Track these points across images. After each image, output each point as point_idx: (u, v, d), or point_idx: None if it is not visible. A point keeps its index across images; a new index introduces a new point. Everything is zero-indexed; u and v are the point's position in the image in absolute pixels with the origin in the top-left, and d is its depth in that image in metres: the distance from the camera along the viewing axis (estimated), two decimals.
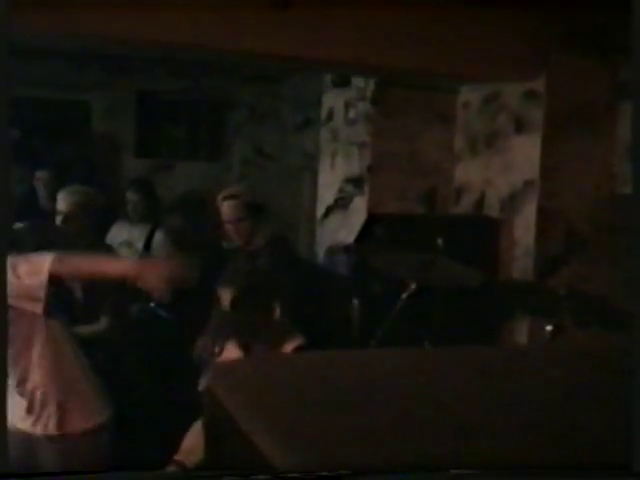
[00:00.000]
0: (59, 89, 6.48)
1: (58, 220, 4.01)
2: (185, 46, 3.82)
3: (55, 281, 2.79)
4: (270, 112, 7.19)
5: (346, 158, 5.30)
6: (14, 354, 2.76)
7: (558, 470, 1.09)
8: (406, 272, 3.64)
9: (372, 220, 4.65)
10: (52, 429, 2.90)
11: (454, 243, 4.00)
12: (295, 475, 1.07)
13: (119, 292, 3.91)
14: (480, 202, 5.01)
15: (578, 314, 3.33)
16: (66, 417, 2.92)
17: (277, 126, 7.18)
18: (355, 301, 4.68)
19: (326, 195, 5.51)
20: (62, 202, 4.02)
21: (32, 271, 2.67)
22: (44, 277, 2.69)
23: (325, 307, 4.30)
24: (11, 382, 2.79)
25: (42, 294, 2.72)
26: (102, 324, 3.86)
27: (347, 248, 5.06)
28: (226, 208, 4.16)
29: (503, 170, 4.82)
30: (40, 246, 2.86)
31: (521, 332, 4.58)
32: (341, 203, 5.33)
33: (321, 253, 5.50)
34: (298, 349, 2.74)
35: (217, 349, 2.99)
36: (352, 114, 5.25)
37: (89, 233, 4.06)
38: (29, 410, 2.87)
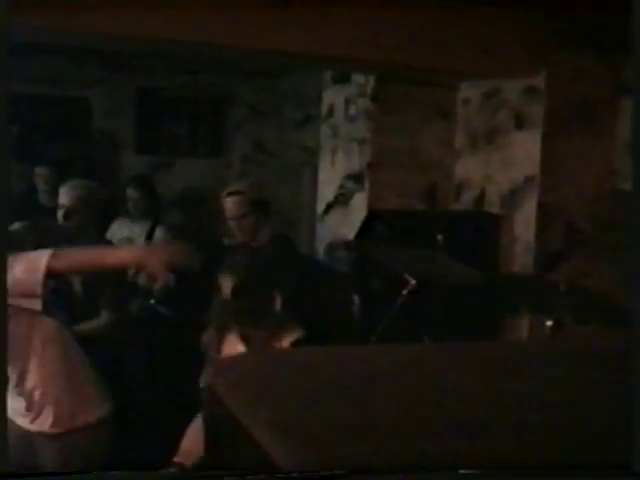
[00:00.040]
0: (59, 86, 6.47)
1: (60, 214, 4.01)
2: (185, 43, 3.82)
3: (54, 277, 2.79)
4: (270, 109, 7.19)
5: (346, 154, 5.30)
6: (12, 353, 2.76)
7: (558, 470, 1.09)
8: (406, 268, 3.64)
9: (372, 216, 4.65)
10: (51, 427, 2.90)
11: (454, 239, 4.00)
12: (297, 475, 1.07)
13: (119, 286, 3.92)
14: (480, 198, 5.01)
15: (578, 310, 3.33)
16: (65, 415, 2.92)
17: (277, 123, 7.18)
18: (355, 297, 4.68)
19: (326, 191, 5.51)
20: (64, 196, 4.02)
21: (29, 268, 2.66)
22: (42, 274, 2.69)
23: (325, 303, 4.31)
24: (10, 381, 2.79)
25: (40, 291, 2.72)
26: (102, 319, 3.87)
27: (347, 244, 5.06)
28: (230, 204, 4.16)
29: (503, 166, 4.82)
30: (39, 245, 2.85)
31: (521, 328, 4.58)
32: (341, 199, 5.33)
33: (321, 249, 5.51)
34: (298, 342, 2.75)
35: (217, 340, 3.00)
36: (352, 110, 5.25)
37: (90, 228, 4.06)
38: (28, 408, 2.88)
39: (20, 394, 2.85)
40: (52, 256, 2.72)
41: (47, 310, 2.82)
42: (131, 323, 4.18)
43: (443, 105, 5.17)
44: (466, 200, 5.13)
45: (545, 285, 4.20)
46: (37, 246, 2.85)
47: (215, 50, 4.21)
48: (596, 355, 1.66)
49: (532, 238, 4.62)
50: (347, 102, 5.30)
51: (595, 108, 4.64)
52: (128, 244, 4.86)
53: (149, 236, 4.93)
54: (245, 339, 2.74)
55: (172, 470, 2.67)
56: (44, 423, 2.90)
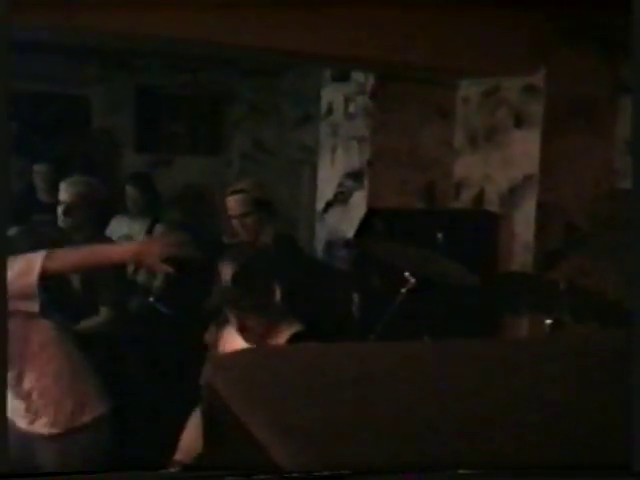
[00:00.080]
0: (58, 83, 6.47)
1: (60, 210, 4.01)
2: (184, 41, 3.82)
3: (50, 278, 2.79)
4: (269, 107, 7.18)
5: (346, 153, 5.30)
6: (9, 355, 2.76)
7: (558, 470, 1.09)
8: (406, 267, 3.64)
9: (372, 214, 4.65)
10: (50, 428, 2.90)
11: (453, 238, 4.01)
12: (299, 475, 1.07)
13: (118, 283, 3.92)
14: (480, 197, 5.01)
15: (578, 309, 3.34)
16: (63, 415, 2.92)
17: (276, 121, 7.18)
18: (355, 295, 4.69)
19: (326, 190, 5.51)
20: (64, 192, 4.03)
21: (24, 270, 2.66)
22: (36, 276, 2.68)
23: (325, 301, 4.31)
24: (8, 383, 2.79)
25: (36, 293, 2.71)
26: (102, 316, 3.87)
27: (347, 243, 5.06)
28: (233, 202, 4.17)
29: (503, 165, 4.82)
30: (37, 249, 2.84)
31: (520, 326, 4.59)
32: (341, 198, 5.33)
33: (320, 248, 5.51)
34: (296, 336, 2.75)
35: (216, 334, 3.00)
36: (352, 109, 5.25)
37: (90, 225, 4.07)
38: (27, 410, 2.87)
39: (18, 396, 2.85)
40: (46, 257, 2.72)
41: (44, 312, 2.81)
42: (130, 321, 4.18)
43: (442, 104, 5.17)
44: (465, 199, 5.13)
45: (544, 284, 4.21)
46: (35, 250, 2.85)
47: (214, 48, 4.21)
48: (596, 354, 1.66)
49: (531, 237, 4.63)
50: (346, 100, 5.30)
51: (595, 107, 4.64)
52: (127, 241, 4.86)
53: (148, 233, 4.93)
54: (243, 329, 2.72)
55: (173, 468, 2.67)
56: (42, 424, 2.90)
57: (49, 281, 2.77)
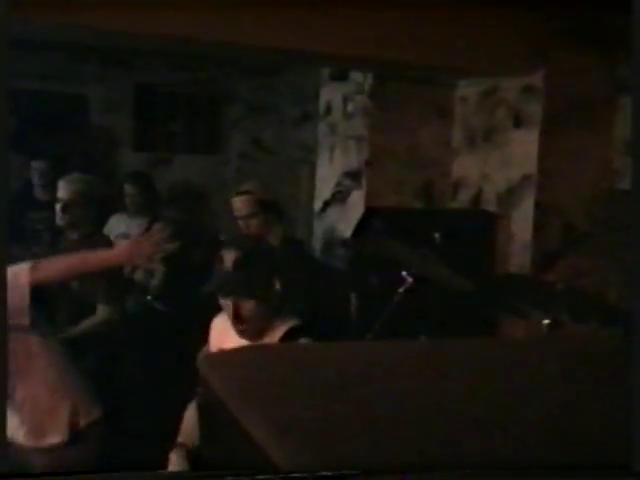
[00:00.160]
0: (56, 81, 6.46)
1: (58, 208, 4.01)
2: (183, 40, 3.82)
3: (39, 288, 2.77)
4: (268, 106, 7.18)
5: (344, 152, 5.30)
6: None
7: (557, 470, 1.09)
8: (403, 266, 3.64)
9: (370, 214, 4.65)
10: (40, 439, 2.88)
11: (451, 237, 4.01)
12: (297, 475, 1.07)
13: (115, 281, 3.91)
14: (478, 196, 5.01)
15: (576, 309, 3.33)
16: (58, 425, 2.90)
17: (275, 120, 7.18)
18: (352, 295, 4.69)
19: (324, 189, 5.51)
20: (63, 190, 4.02)
21: (12, 285, 2.60)
22: (26, 288, 2.66)
23: (322, 300, 4.30)
24: None
25: (25, 305, 2.69)
26: (99, 314, 3.87)
27: (345, 242, 5.06)
28: (238, 204, 4.18)
29: (501, 165, 4.82)
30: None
31: (518, 326, 4.59)
32: (339, 197, 5.33)
33: (318, 247, 5.51)
34: (293, 330, 2.74)
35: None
36: (350, 108, 5.25)
37: (87, 222, 4.06)
38: (22, 422, 2.85)
39: (12, 409, 2.82)
40: (32, 268, 2.70)
41: (33, 323, 2.79)
42: (127, 319, 4.18)
43: (441, 103, 5.17)
44: (463, 198, 5.14)
45: (542, 284, 4.21)
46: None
47: (213, 47, 4.20)
48: (595, 354, 1.67)
49: (529, 237, 4.63)
50: (345, 100, 5.30)
51: (593, 107, 4.64)
52: (125, 240, 4.86)
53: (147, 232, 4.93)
54: (238, 318, 2.70)
55: (175, 451, 2.67)
56: (33, 436, 2.88)
57: (37, 290, 2.75)
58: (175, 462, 2.63)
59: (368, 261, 4.58)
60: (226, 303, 2.71)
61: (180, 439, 2.74)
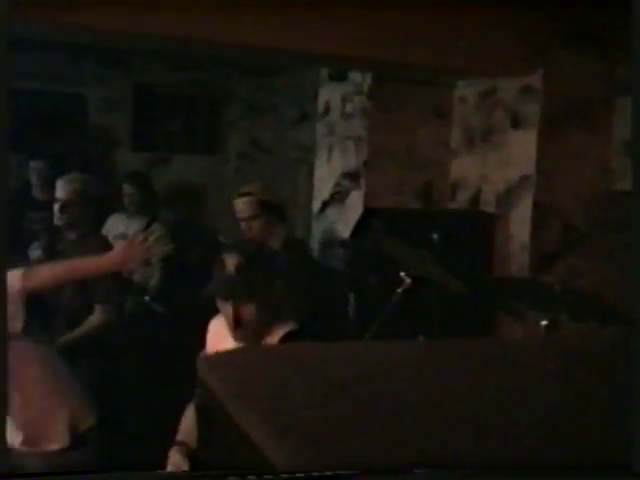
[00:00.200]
0: (55, 81, 6.46)
1: (56, 208, 4.00)
2: (182, 40, 3.82)
3: (33, 295, 2.76)
4: (266, 106, 7.18)
5: (342, 152, 5.30)
6: None
7: (557, 470, 1.09)
8: (401, 267, 3.64)
9: (368, 214, 4.65)
10: (39, 447, 2.87)
11: (450, 238, 4.00)
12: (297, 475, 1.06)
13: (113, 281, 3.90)
14: (476, 197, 5.01)
15: (574, 310, 3.33)
16: (53, 433, 2.89)
17: (273, 120, 7.17)
18: (351, 295, 4.69)
19: (322, 189, 5.50)
20: (61, 190, 4.02)
21: None
22: (16, 295, 2.65)
23: (321, 301, 4.30)
24: None
25: (17, 312, 2.68)
26: (98, 315, 3.86)
27: (343, 242, 5.06)
28: (240, 205, 4.17)
29: (499, 165, 4.82)
30: None
31: (516, 327, 4.59)
32: (337, 197, 5.32)
33: (317, 247, 5.51)
34: (290, 335, 2.74)
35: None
36: (349, 108, 5.25)
37: (86, 222, 4.06)
38: (18, 429, 2.84)
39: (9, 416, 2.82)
40: (24, 276, 2.69)
41: (26, 329, 2.78)
42: (125, 319, 4.17)
43: (439, 104, 5.17)
44: (462, 199, 5.14)
45: (540, 284, 4.21)
46: None
47: (212, 47, 4.20)
48: (595, 354, 1.67)
49: (527, 237, 4.63)
50: (344, 100, 5.30)
51: (591, 107, 4.64)
52: (123, 240, 4.85)
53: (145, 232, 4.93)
54: (237, 322, 2.70)
55: (175, 449, 2.66)
56: (31, 443, 2.87)
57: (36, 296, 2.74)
58: (175, 461, 2.62)
59: (367, 261, 4.58)
60: (225, 307, 2.71)
61: (180, 437, 2.74)
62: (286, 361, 1.68)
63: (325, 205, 5.46)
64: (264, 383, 1.48)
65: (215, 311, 2.85)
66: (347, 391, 1.42)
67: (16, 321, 2.70)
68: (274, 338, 2.72)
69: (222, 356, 2.00)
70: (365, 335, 3.55)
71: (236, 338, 2.70)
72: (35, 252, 4.18)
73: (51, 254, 4.15)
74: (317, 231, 5.56)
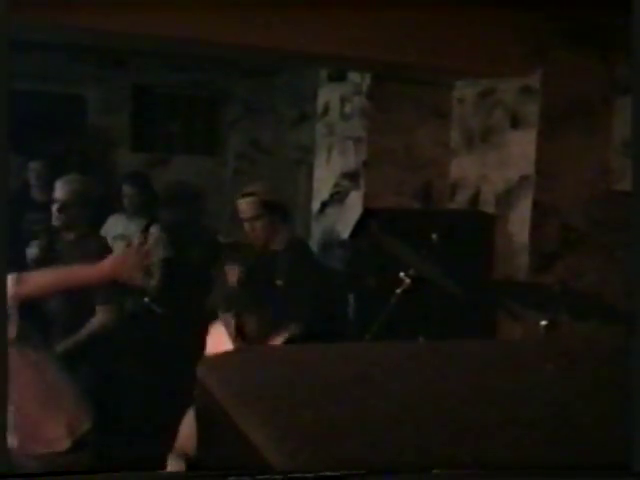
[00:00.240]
0: (54, 82, 6.46)
1: (54, 208, 4.00)
2: (181, 40, 3.81)
3: (25, 301, 2.74)
4: (266, 106, 7.18)
5: (342, 153, 5.29)
6: None
7: (557, 470, 1.09)
8: (401, 267, 3.64)
9: (368, 214, 4.65)
10: (31, 448, 2.87)
11: (449, 238, 4.00)
12: (300, 475, 1.06)
13: (113, 281, 3.90)
14: (475, 197, 5.01)
15: (574, 310, 3.33)
16: (50, 438, 2.88)
17: (273, 121, 7.17)
18: (350, 296, 4.68)
19: (322, 190, 5.50)
20: (59, 190, 4.01)
21: None
22: (10, 301, 2.64)
23: (320, 301, 4.30)
24: None
25: (12, 318, 2.66)
26: (99, 316, 3.86)
27: (343, 243, 5.06)
28: (243, 205, 4.16)
29: (499, 165, 4.82)
30: None
31: (516, 327, 4.59)
32: (337, 198, 5.32)
33: (316, 248, 5.50)
34: (291, 340, 2.74)
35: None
36: (348, 109, 5.24)
37: (84, 223, 4.05)
38: (14, 433, 2.83)
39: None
40: (17, 281, 2.67)
41: (20, 335, 2.76)
42: (125, 321, 4.17)
43: (439, 104, 5.17)
44: (461, 199, 5.13)
45: (540, 284, 4.21)
46: None
47: (212, 47, 4.20)
48: (594, 354, 1.67)
49: (527, 238, 4.62)
50: (343, 100, 5.30)
51: (591, 108, 4.64)
52: (123, 241, 4.85)
53: (144, 233, 4.92)
54: (240, 333, 2.70)
55: (174, 456, 2.66)
56: (28, 448, 2.87)
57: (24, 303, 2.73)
58: (173, 468, 2.62)
59: (366, 262, 4.58)
60: (226, 318, 2.71)
61: (178, 444, 2.73)
62: (286, 361, 1.68)
63: (324, 205, 5.45)
64: (264, 384, 1.47)
65: (215, 314, 2.85)
66: (347, 391, 1.42)
67: (9, 327, 2.68)
68: (276, 343, 2.72)
69: (221, 357, 2.00)
70: (365, 335, 3.54)
71: (237, 346, 2.70)
72: (32, 250, 4.16)
73: (48, 254, 4.14)
74: (317, 231, 5.55)
